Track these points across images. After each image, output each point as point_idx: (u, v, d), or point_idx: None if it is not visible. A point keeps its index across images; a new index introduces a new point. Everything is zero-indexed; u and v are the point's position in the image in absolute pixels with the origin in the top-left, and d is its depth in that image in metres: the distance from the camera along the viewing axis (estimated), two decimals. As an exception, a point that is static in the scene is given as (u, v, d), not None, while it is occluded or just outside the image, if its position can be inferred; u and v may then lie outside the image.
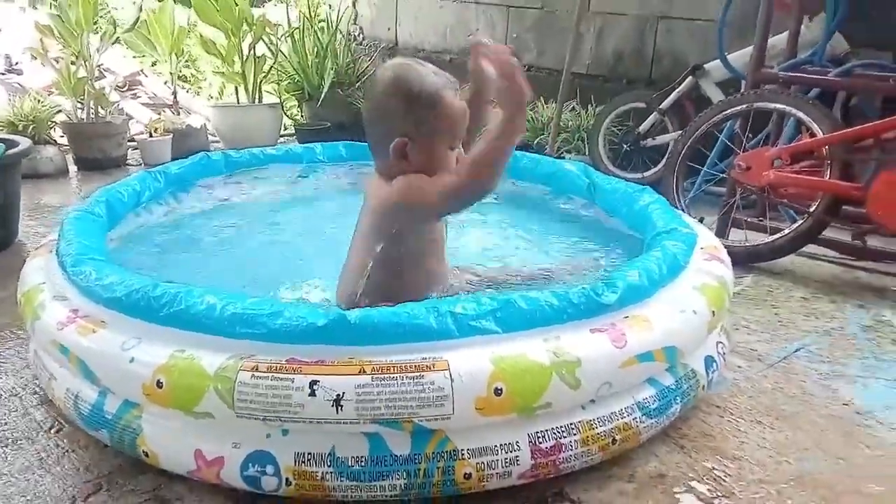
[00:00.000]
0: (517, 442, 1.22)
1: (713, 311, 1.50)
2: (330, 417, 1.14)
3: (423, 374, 1.16)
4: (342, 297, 1.61)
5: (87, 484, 1.29)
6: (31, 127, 3.99)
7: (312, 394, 1.14)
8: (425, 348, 1.20)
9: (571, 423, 1.26)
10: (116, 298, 1.35)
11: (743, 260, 2.44)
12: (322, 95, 4.75)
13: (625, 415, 1.31)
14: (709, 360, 1.52)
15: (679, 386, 1.42)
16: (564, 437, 1.25)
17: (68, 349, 1.35)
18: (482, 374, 1.17)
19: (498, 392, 1.17)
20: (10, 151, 2.58)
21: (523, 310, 1.27)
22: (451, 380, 1.16)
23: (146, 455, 1.28)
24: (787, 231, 2.41)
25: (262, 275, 1.84)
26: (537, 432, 1.23)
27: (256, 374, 1.17)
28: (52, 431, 1.45)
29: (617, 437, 1.30)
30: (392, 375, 1.16)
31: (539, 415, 1.23)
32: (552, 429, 1.24)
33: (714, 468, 1.39)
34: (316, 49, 4.90)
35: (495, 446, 1.21)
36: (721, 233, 2.59)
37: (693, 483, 1.34)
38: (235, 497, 1.24)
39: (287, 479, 1.18)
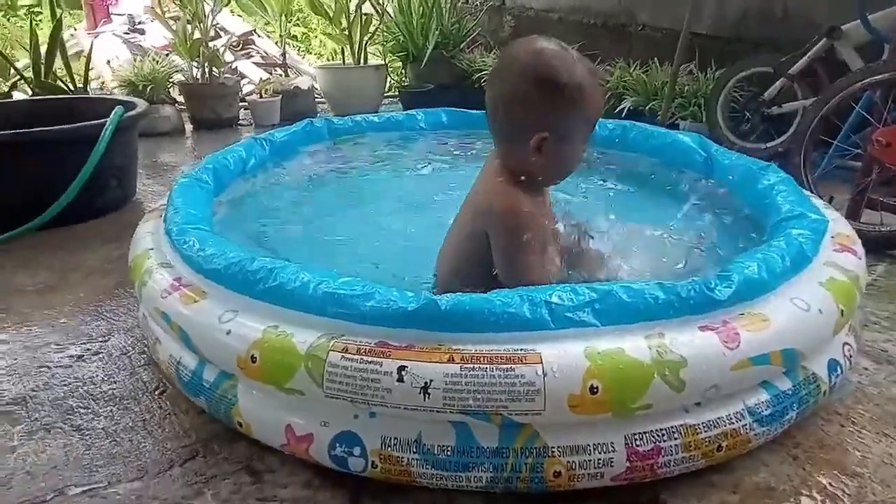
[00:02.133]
0: (612, 443, 1.15)
1: (841, 311, 1.35)
2: (417, 404, 1.12)
3: (513, 366, 1.10)
4: (441, 280, 1.58)
5: (184, 449, 1.33)
6: (149, 87, 4.17)
7: (400, 379, 1.12)
8: (518, 339, 1.15)
9: (673, 427, 1.17)
10: (216, 270, 1.37)
11: (876, 246, 2.21)
12: (426, 56, 4.71)
13: (734, 421, 1.21)
14: (832, 364, 1.38)
15: (797, 391, 1.29)
16: (665, 440, 1.16)
17: (170, 317, 1.39)
18: (577, 369, 1.11)
19: (593, 390, 1.10)
20: (128, 114, 2.70)
21: (624, 302, 1.18)
22: (544, 374, 1.10)
23: (240, 425, 1.30)
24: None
25: (361, 249, 1.84)
26: (635, 434, 1.16)
27: (346, 355, 1.15)
28: (157, 393, 1.52)
29: (723, 444, 1.21)
30: (482, 366, 1.11)
31: (638, 416, 1.15)
32: (651, 431, 1.16)
33: (830, 484, 1.26)
34: (421, 9, 4.84)
35: (588, 445, 1.14)
36: (853, 214, 2.36)
37: (804, 499, 1.23)
38: (325, 473, 1.25)
39: (373, 462, 1.17)
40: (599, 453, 1.14)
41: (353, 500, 1.20)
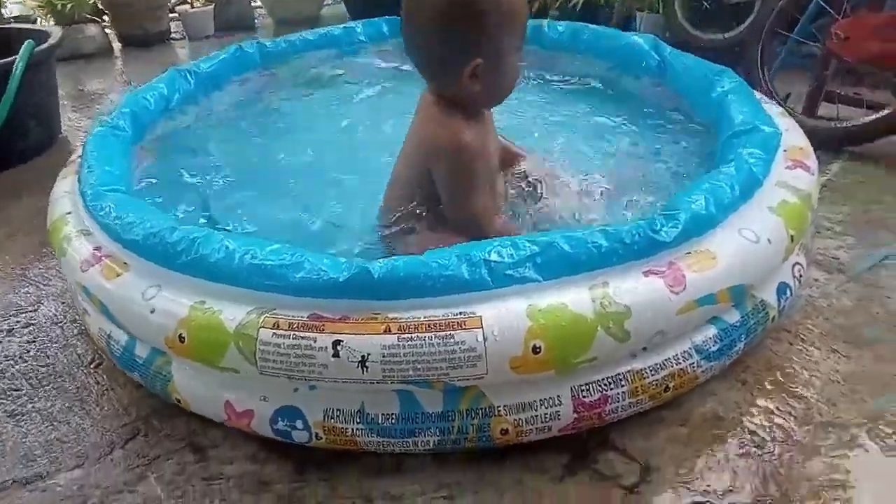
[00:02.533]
0: (558, 396, 1.13)
1: (791, 236, 1.32)
2: (355, 378, 1.07)
3: (453, 332, 1.06)
4: (385, 220, 1.50)
5: (124, 428, 1.29)
6: (70, 5, 3.85)
7: (336, 354, 1.06)
8: (457, 302, 1.09)
9: (619, 374, 1.15)
10: (135, 241, 1.28)
11: (832, 142, 2.17)
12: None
13: (681, 361, 1.20)
14: (782, 288, 1.36)
15: (745, 322, 1.27)
16: (611, 388, 1.15)
17: (92, 293, 1.31)
18: (518, 331, 1.06)
19: (536, 350, 1.06)
20: (40, 47, 2.47)
21: (566, 253, 1.13)
22: (485, 339, 1.05)
23: (178, 401, 1.26)
24: (890, 109, 2.09)
25: (302, 188, 1.74)
26: (581, 385, 1.13)
27: (277, 331, 1.09)
28: (92, 367, 1.46)
29: (671, 385, 1.19)
30: (420, 335, 1.06)
31: (583, 368, 1.12)
32: (597, 381, 1.14)
33: (777, 408, 1.27)
34: None
35: (534, 402, 1.12)
36: (810, 109, 2.29)
37: (752, 426, 1.24)
38: (270, 444, 1.22)
39: (317, 434, 1.14)
40: (546, 408, 1.12)
41: (299, 471, 1.18)
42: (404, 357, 1.06)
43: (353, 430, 1.13)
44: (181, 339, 1.16)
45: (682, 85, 1.96)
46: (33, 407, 1.35)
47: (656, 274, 1.15)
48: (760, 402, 1.29)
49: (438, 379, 1.07)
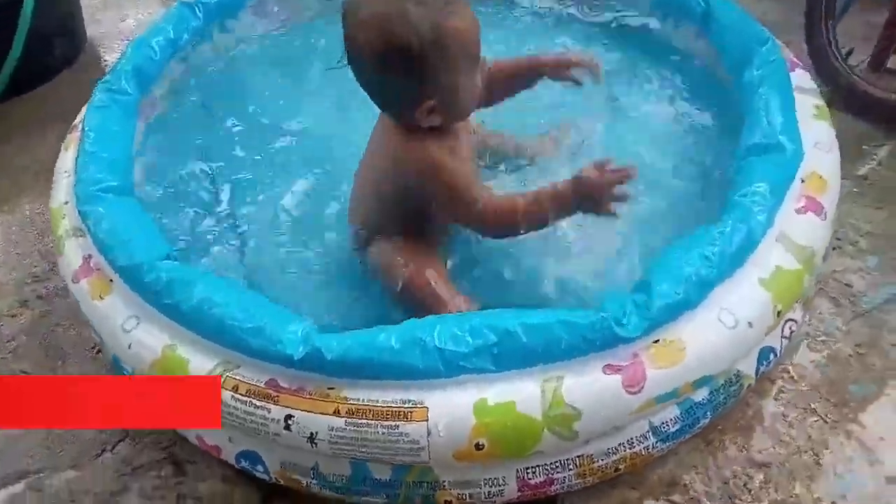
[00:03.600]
0: (503, 477, 1.16)
1: (779, 311, 1.25)
2: (306, 448, 1.13)
3: (398, 423, 1.08)
4: (354, 222, 1.49)
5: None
6: None
7: (287, 428, 1.12)
8: (408, 387, 1.11)
9: (567, 459, 1.17)
10: (118, 266, 1.31)
11: (889, 116, 1.94)
12: None
13: (635, 444, 1.19)
14: (764, 354, 1.30)
15: (713, 399, 1.25)
16: (557, 472, 1.17)
17: (81, 307, 1.37)
18: (463, 429, 1.08)
19: (479, 447, 1.09)
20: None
21: (523, 345, 1.11)
22: (428, 433, 1.08)
23: (161, 421, 1.35)
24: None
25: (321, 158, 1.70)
26: (527, 468, 1.16)
27: (236, 395, 1.14)
28: (95, 351, 1.55)
29: (622, 466, 1.21)
30: (367, 421, 1.09)
31: (528, 456, 1.15)
32: (544, 465, 1.16)
33: (735, 479, 1.28)
34: None
35: (479, 480, 1.16)
36: (875, 68, 2.00)
37: (705, 496, 1.26)
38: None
39: (276, 478, 1.23)
40: (490, 486, 1.16)
41: (265, 498, 1.29)
42: (351, 439, 1.10)
43: (307, 482, 1.20)
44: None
45: (722, 45, 1.75)
46: (37, 395, 1.48)
47: (616, 370, 1.12)
48: (721, 467, 1.30)
49: (384, 460, 1.12)
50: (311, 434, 1.11)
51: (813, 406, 1.38)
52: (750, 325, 1.20)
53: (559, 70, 1.49)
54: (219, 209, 1.66)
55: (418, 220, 1.39)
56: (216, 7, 2.04)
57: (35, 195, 1.97)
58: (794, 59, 1.71)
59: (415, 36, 1.18)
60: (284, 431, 1.12)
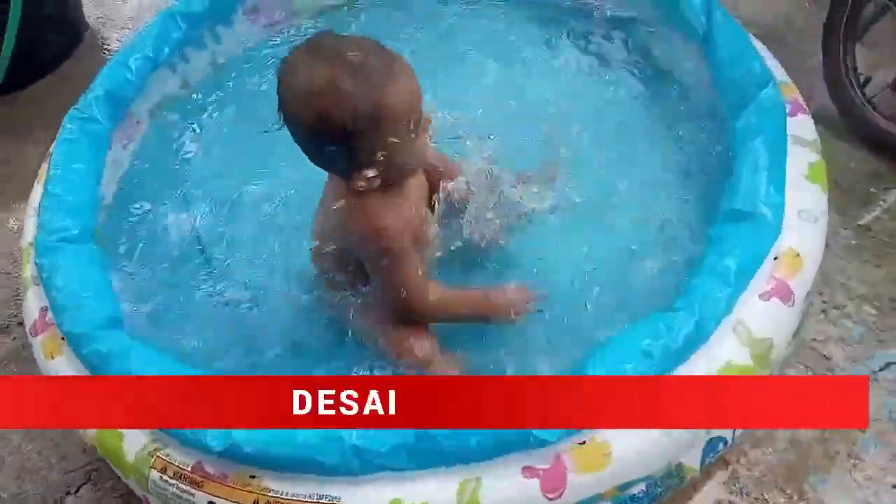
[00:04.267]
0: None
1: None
2: (230, 532, 1.16)
3: (313, 519, 1.10)
4: (317, 261, 1.48)
5: (82, 470, 1.47)
6: None
7: (210, 512, 1.15)
8: (325, 483, 1.11)
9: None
10: (64, 330, 1.34)
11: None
12: None
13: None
14: (712, 445, 1.26)
15: (651, 491, 1.20)
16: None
17: (36, 361, 1.41)
18: (374, 530, 1.09)
19: (389, 548, 1.09)
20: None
21: (441, 447, 1.09)
22: (344, 528, 1.09)
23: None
24: None
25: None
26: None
27: (164, 476, 1.17)
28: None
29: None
30: (283, 515, 1.11)
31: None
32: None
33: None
34: None
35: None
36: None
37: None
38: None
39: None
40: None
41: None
42: (268, 531, 1.12)
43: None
44: (94, 449, 1.27)
45: (720, 81, 1.63)
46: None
47: (535, 473, 1.10)
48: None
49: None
50: (232, 521, 1.13)
51: (767, 496, 1.33)
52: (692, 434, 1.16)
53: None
54: (190, 242, 1.68)
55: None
56: (202, 16, 1.99)
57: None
58: (798, 101, 1.58)
59: (349, 114, 1.13)
60: (208, 515, 1.15)
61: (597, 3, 2.01)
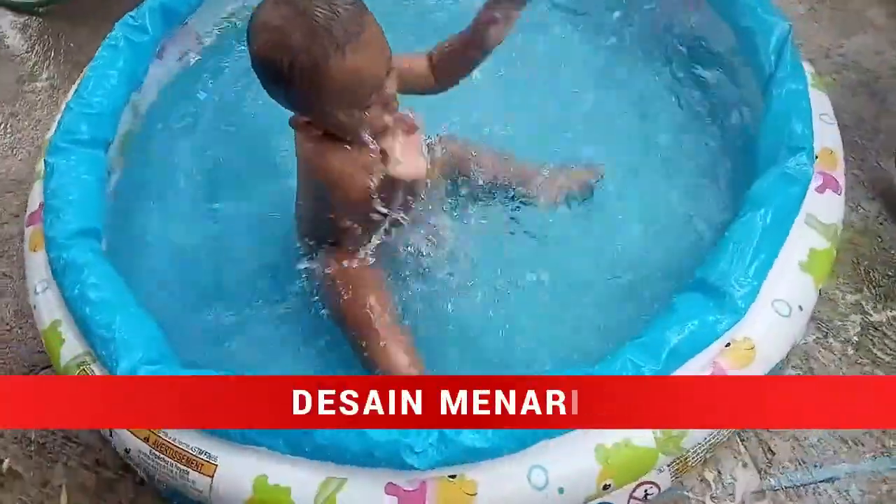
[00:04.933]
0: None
1: (606, 485, 1.16)
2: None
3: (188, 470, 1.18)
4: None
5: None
6: None
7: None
8: (208, 439, 1.19)
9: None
10: (44, 232, 1.43)
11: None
12: None
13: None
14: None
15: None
16: None
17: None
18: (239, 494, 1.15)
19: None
20: None
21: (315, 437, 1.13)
22: (211, 488, 1.16)
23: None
24: None
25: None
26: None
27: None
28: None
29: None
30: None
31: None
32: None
33: None
34: None
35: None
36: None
37: None
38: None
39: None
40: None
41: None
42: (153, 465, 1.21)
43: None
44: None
45: (761, 129, 1.50)
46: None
47: (396, 492, 1.12)
48: None
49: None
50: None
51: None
52: (561, 490, 1.14)
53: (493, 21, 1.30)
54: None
55: (336, 228, 1.39)
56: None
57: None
58: (835, 177, 1.45)
59: (287, 62, 1.15)
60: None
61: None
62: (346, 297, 1.40)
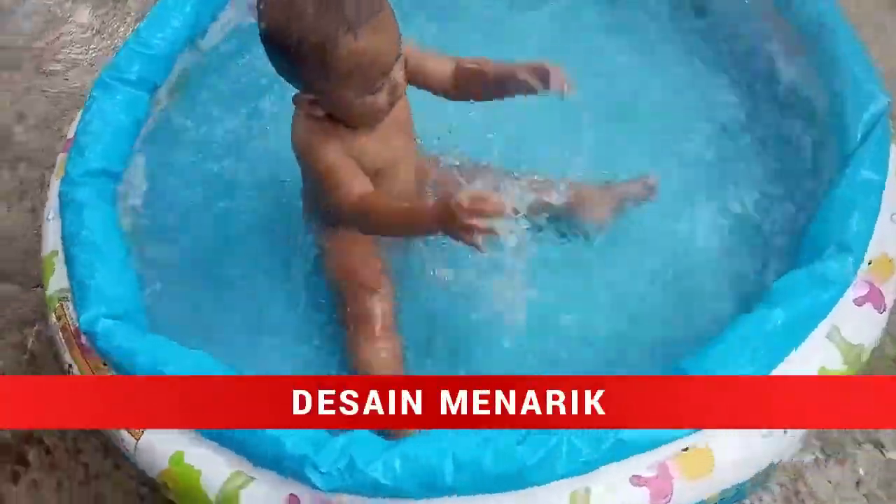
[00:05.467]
0: None
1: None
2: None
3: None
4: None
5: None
6: None
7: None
8: None
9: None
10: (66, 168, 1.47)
11: None
12: None
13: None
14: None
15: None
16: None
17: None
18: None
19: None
20: None
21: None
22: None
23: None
24: None
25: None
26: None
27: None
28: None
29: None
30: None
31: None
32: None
33: None
34: None
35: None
36: None
37: None
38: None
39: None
40: None
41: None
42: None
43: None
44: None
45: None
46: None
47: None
48: None
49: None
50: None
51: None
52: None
53: (526, 82, 1.27)
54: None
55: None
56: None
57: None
58: (880, 289, 1.25)
59: (296, 37, 1.13)
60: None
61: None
62: (340, 260, 1.42)
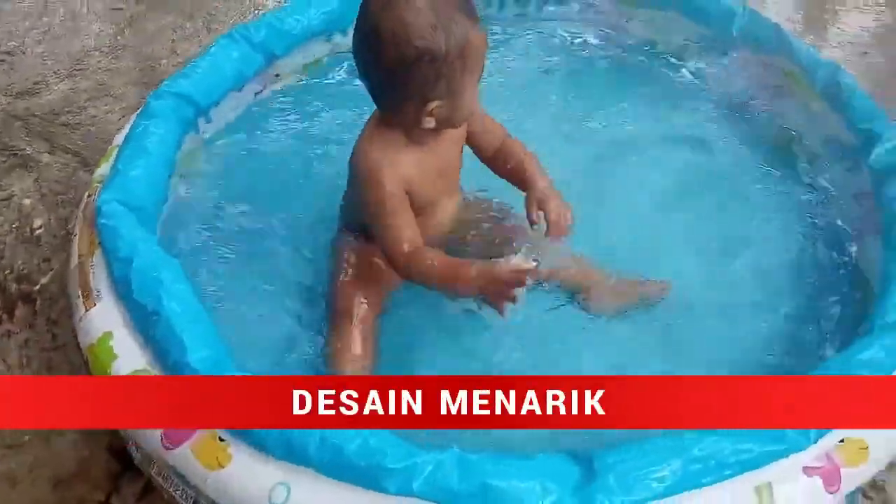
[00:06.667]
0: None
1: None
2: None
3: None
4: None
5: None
6: None
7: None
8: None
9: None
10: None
11: None
12: None
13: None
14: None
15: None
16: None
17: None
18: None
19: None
20: None
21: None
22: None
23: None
24: None
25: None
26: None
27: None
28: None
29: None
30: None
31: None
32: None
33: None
34: None
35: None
36: None
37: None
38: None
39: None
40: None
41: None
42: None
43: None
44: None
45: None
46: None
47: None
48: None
49: None
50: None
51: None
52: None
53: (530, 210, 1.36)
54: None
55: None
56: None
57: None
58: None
59: (441, 41, 1.18)
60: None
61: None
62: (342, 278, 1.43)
